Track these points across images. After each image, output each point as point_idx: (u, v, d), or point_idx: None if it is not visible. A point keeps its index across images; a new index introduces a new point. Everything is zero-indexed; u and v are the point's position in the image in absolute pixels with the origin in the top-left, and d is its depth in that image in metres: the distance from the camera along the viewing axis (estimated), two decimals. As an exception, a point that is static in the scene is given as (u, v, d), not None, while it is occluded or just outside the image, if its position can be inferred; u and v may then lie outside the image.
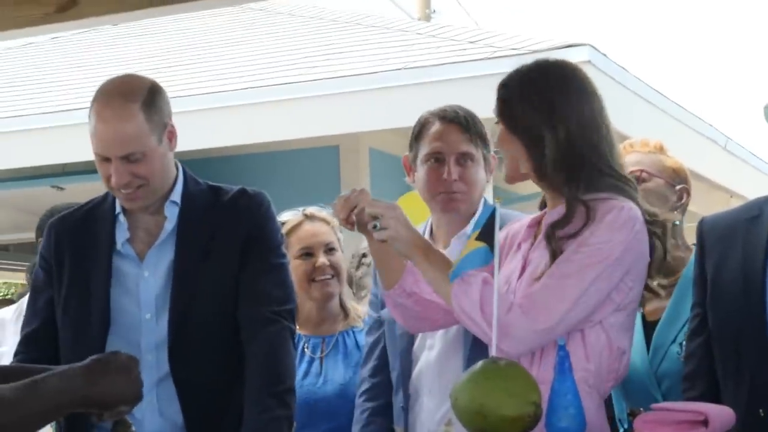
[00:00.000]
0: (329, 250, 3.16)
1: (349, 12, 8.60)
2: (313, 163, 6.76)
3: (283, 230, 2.93)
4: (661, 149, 2.90)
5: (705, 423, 1.91)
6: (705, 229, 2.43)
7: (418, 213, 3.02)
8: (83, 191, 2.67)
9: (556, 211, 2.24)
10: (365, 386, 2.87)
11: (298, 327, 2.76)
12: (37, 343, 2.55)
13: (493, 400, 1.87)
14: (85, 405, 1.89)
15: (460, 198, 2.67)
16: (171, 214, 2.50)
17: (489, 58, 6.24)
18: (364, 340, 2.98)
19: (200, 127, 6.14)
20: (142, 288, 2.48)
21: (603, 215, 2.16)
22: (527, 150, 2.25)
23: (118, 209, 2.53)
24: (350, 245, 4.50)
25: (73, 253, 2.54)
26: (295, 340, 2.53)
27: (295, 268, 3.02)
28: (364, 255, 3.86)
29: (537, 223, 2.34)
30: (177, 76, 7.05)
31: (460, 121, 2.70)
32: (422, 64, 6.42)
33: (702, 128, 8.08)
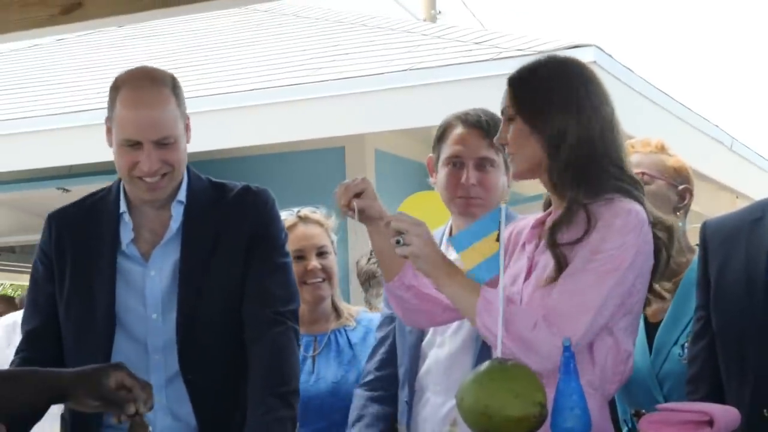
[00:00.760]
0: (321, 253, 3.17)
1: (354, 13, 8.61)
2: (319, 164, 6.76)
3: None
4: (662, 149, 2.87)
5: (710, 423, 1.92)
6: (708, 231, 2.42)
7: (432, 212, 3.03)
8: (89, 193, 2.66)
9: (557, 214, 2.24)
10: (368, 378, 2.90)
11: None
12: (39, 341, 2.53)
13: (498, 401, 1.87)
14: None
15: (477, 203, 2.69)
16: (176, 212, 2.50)
17: (495, 59, 6.23)
18: (375, 335, 3.00)
19: (206, 128, 6.13)
20: (148, 287, 2.47)
21: (611, 219, 2.15)
22: (547, 148, 2.24)
23: (122, 208, 2.51)
24: (364, 245, 4.50)
25: (75, 249, 2.52)
26: (299, 341, 2.53)
27: None
28: None
29: (541, 223, 2.33)
30: (183, 78, 7.02)
31: (481, 126, 2.71)
32: (428, 65, 6.43)
33: (707, 129, 8.07)
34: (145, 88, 2.43)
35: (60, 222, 2.56)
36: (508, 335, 2.07)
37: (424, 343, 2.74)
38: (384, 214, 2.33)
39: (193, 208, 2.51)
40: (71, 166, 7.16)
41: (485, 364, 1.96)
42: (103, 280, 2.47)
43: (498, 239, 2.07)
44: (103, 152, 7.53)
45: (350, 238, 5.90)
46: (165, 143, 2.41)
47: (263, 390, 2.37)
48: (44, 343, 2.52)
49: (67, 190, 7.09)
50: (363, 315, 3.30)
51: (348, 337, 3.19)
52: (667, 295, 2.42)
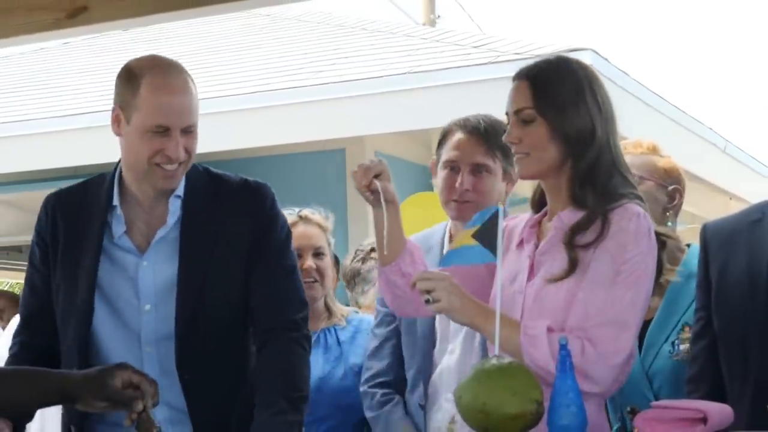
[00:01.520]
0: (317, 254, 3.20)
1: (355, 18, 8.58)
2: (320, 166, 6.77)
3: None
4: (653, 149, 2.89)
5: (704, 420, 1.93)
6: (708, 234, 2.44)
7: (431, 212, 3.08)
8: (86, 179, 2.66)
9: (572, 215, 2.23)
10: (381, 379, 2.92)
11: None
12: (37, 323, 2.52)
13: (495, 399, 1.89)
14: None
15: (469, 207, 2.71)
16: (174, 206, 2.46)
17: (493, 63, 6.27)
18: (372, 332, 3.03)
19: (208, 130, 6.12)
20: (141, 278, 2.43)
21: (625, 223, 2.17)
22: (570, 152, 2.22)
23: (115, 201, 2.46)
24: (356, 241, 4.55)
25: (67, 233, 2.48)
26: (311, 347, 2.53)
27: None
28: (372, 249, 3.86)
29: (537, 223, 2.34)
30: (186, 81, 7.07)
31: (480, 132, 2.75)
32: (427, 69, 6.46)
33: (702, 131, 8.08)
34: (172, 75, 2.40)
35: (55, 204, 2.53)
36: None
37: (436, 350, 2.78)
38: (396, 197, 2.34)
39: (191, 202, 2.47)
40: (76, 167, 7.18)
41: (483, 362, 1.99)
42: (88, 265, 2.43)
43: (475, 235, 2.09)
44: (107, 154, 7.56)
45: (350, 239, 5.97)
46: (189, 131, 2.39)
47: (275, 392, 2.37)
48: (41, 325, 2.51)
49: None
50: (353, 316, 3.33)
51: (337, 336, 3.22)
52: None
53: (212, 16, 5.91)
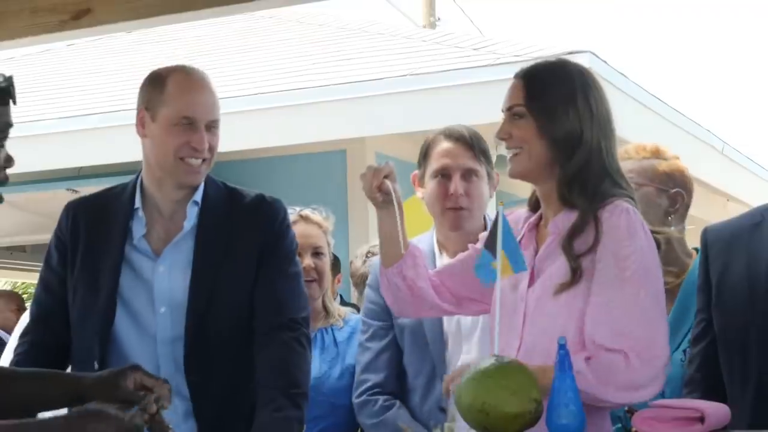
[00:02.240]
0: (316, 253, 3.22)
1: (356, 20, 8.60)
2: (321, 167, 6.79)
3: None
4: (656, 153, 2.84)
5: (701, 420, 1.94)
6: (709, 237, 2.45)
7: (420, 219, 3.11)
8: (108, 187, 2.73)
9: (566, 219, 2.23)
10: (380, 389, 2.93)
11: None
12: (48, 322, 2.59)
13: (494, 398, 1.89)
14: None
15: (465, 215, 2.77)
16: (191, 213, 2.54)
17: (492, 65, 6.29)
18: (362, 346, 3.01)
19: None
20: (157, 281, 2.51)
21: (615, 219, 2.16)
22: (558, 152, 2.22)
23: (137, 204, 2.55)
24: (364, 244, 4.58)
25: (88, 237, 2.56)
26: (311, 347, 2.56)
27: None
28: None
29: (534, 226, 2.34)
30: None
31: (465, 140, 2.81)
32: (427, 71, 6.47)
33: (700, 133, 8.09)
34: (196, 74, 2.55)
35: (77, 211, 2.61)
36: (606, 390, 2.06)
37: (448, 352, 2.80)
38: (401, 199, 2.37)
39: (207, 211, 2.54)
40: (80, 168, 7.21)
41: (482, 362, 1.98)
42: (110, 267, 2.51)
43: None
44: (112, 155, 7.63)
45: (351, 239, 6.00)
46: (213, 127, 2.52)
47: (274, 389, 2.40)
48: (52, 325, 2.57)
49: (76, 191, 7.15)
50: (351, 316, 3.34)
51: (334, 336, 3.23)
52: None
53: (215, 18, 5.93)
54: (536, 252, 2.29)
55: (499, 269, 2.04)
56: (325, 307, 3.28)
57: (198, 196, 2.56)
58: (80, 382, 2.13)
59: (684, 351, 2.62)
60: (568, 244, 2.18)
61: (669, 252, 2.32)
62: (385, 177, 2.34)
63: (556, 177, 2.25)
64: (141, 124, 2.55)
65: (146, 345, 2.50)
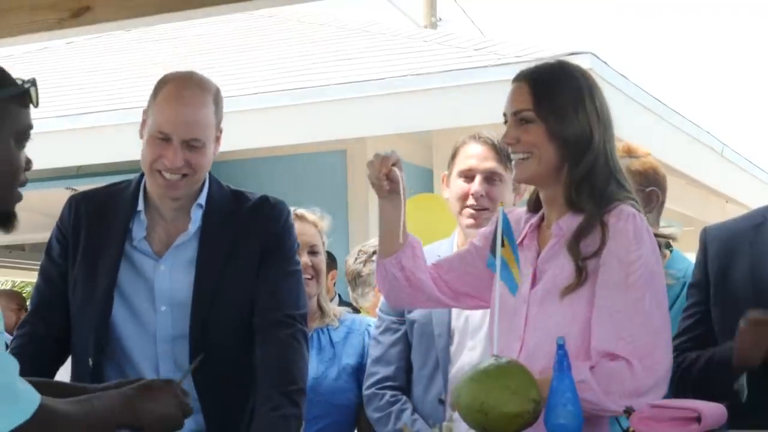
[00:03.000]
0: (312, 252, 3.25)
1: (356, 20, 8.62)
2: (321, 167, 6.81)
3: None
4: (627, 151, 2.87)
5: (698, 420, 1.94)
6: (709, 237, 2.47)
7: (431, 214, 3.12)
8: (112, 182, 2.73)
9: (571, 221, 2.23)
10: (389, 383, 2.97)
11: None
12: (47, 313, 2.59)
13: (493, 398, 1.90)
14: (129, 426, 1.90)
15: (485, 215, 2.82)
16: (196, 216, 2.54)
17: (493, 66, 6.30)
18: (375, 339, 3.05)
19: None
20: (157, 279, 2.52)
21: (622, 224, 2.16)
22: (571, 155, 2.22)
23: (140, 206, 2.55)
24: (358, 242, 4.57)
25: (90, 232, 2.57)
26: (308, 343, 2.56)
27: None
28: (374, 252, 3.86)
29: (536, 227, 2.33)
30: (189, 81, 7.08)
31: (493, 143, 2.88)
32: (428, 71, 6.48)
33: (699, 135, 8.09)
34: (188, 89, 2.47)
35: (80, 204, 2.61)
36: (619, 397, 2.05)
37: (453, 348, 2.84)
38: (405, 189, 2.35)
39: (211, 214, 2.54)
40: (79, 167, 7.22)
41: (481, 362, 2.00)
42: (109, 262, 2.52)
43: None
44: (110, 153, 7.63)
45: (351, 239, 6.00)
46: (193, 145, 2.44)
47: (271, 387, 2.41)
48: (51, 316, 2.57)
49: (75, 190, 7.17)
50: (346, 315, 3.36)
51: (330, 336, 3.25)
52: None
53: (215, 16, 5.93)
54: (538, 254, 2.28)
55: (498, 269, 2.05)
56: (320, 307, 3.31)
57: (202, 199, 2.56)
58: (86, 393, 2.10)
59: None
60: (575, 245, 2.18)
61: None
62: (393, 165, 2.34)
63: (563, 180, 2.24)
64: (142, 128, 2.55)
65: (146, 343, 2.51)
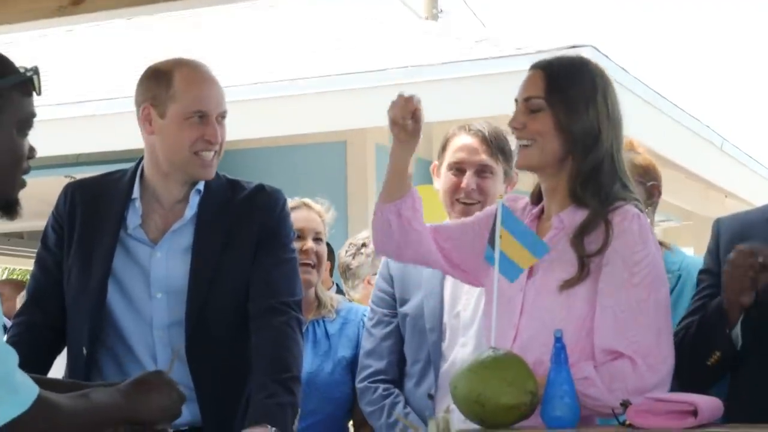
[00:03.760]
0: (317, 239, 3.28)
1: (357, 10, 8.63)
2: (321, 158, 6.81)
3: None
4: (630, 146, 2.88)
5: (694, 413, 1.95)
6: (722, 227, 2.50)
7: (435, 209, 3.12)
8: (109, 171, 2.73)
9: (572, 215, 2.23)
10: (381, 377, 2.97)
11: None
12: (43, 302, 2.60)
13: (490, 389, 1.91)
14: (129, 421, 1.91)
15: (476, 209, 2.78)
16: (193, 201, 2.56)
17: (494, 58, 6.27)
18: (368, 332, 3.05)
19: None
20: (153, 267, 2.53)
21: (627, 224, 2.17)
22: (576, 149, 2.21)
23: (135, 194, 2.57)
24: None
25: (85, 220, 2.58)
26: (303, 330, 2.58)
27: None
28: (364, 245, 3.92)
29: (537, 218, 2.33)
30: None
31: (484, 136, 2.86)
32: (429, 63, 6.46)
33: (699, 129, 8.10)
34: (203, 68, 2.57)
35: (75, 193, 2.63)
36: (622, 394, 2.05)
37: (445, 344, 2.84)
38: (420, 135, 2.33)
39: (208, 201, 2.56)
40: (78, 155, 7.22)
41: (478, 354, 2.01)
42: (104, 250, 2.53)
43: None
44: (110, 142, 7.60)
45: (350, 231, 5.99)
46: (223, 118, 2.54)
47: (266, 375, 2.42)
48: (47, 304, 2.59)
49: (74, 178, 7.16)
50: (343, 304, 3.37)
51: (326, 328, 3.26)
52: None
53: (214, 5, 5.92)
54: None
55: (497, 263, 2.06)
56: (317, 297, 3.31)
57: (201, 184, 2.58)
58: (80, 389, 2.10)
59: None
60: (579, 240, 2.18)
61: None
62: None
63: (567, 172, 2.25)
64: (147, 121, 2.55)
65: (142, 329, 2.52)
